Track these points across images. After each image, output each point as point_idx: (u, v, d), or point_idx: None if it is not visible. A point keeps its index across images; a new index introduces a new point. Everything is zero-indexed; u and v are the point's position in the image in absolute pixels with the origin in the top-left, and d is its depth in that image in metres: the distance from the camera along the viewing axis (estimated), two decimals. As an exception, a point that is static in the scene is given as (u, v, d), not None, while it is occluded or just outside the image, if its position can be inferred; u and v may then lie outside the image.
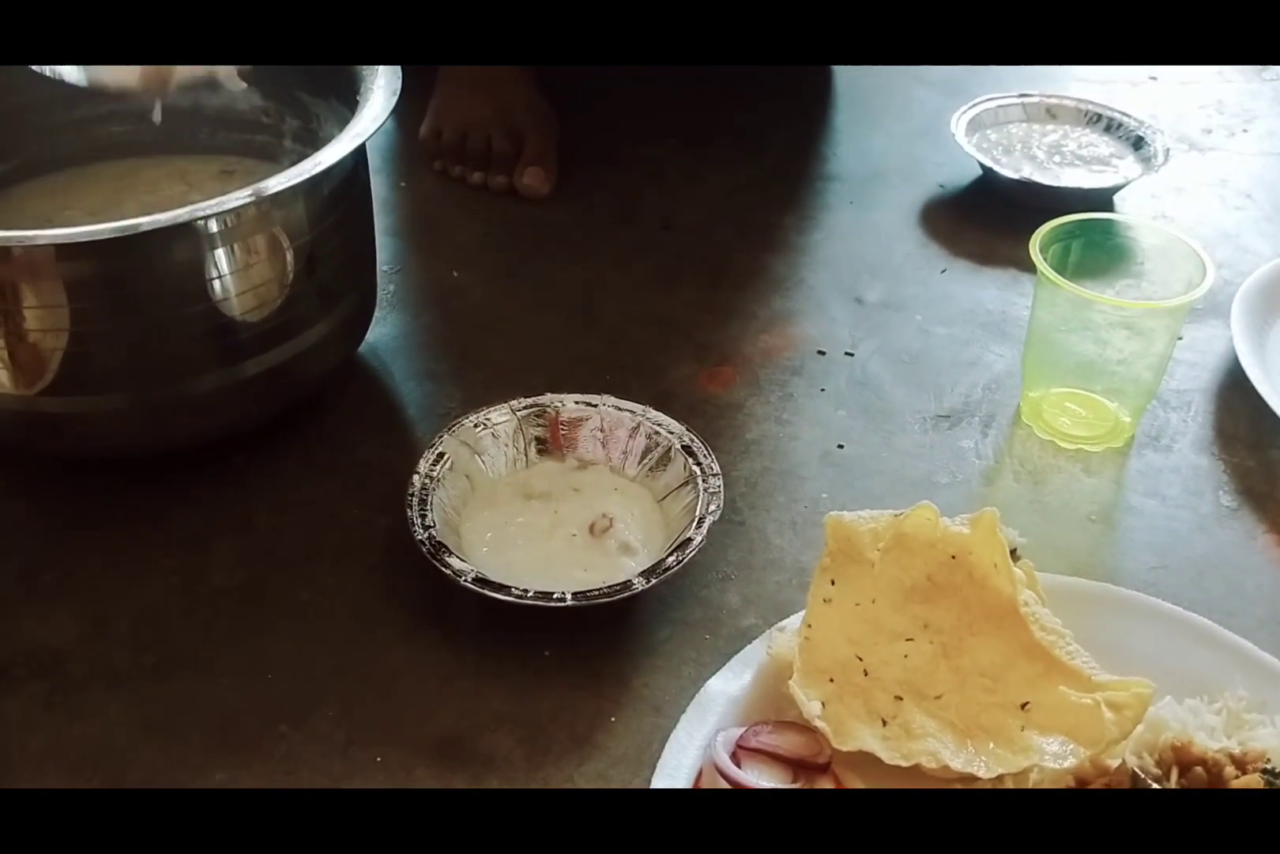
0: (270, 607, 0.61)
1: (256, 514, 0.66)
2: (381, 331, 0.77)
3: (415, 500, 0.62)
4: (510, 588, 0.57)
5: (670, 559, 0.59)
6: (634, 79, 1.03)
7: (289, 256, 0.65)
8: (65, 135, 0.80)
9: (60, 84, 0.72)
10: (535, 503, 0.65)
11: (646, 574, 0.58)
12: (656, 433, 0.66)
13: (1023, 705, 0.51)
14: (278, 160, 0.83)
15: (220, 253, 0.63)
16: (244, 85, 0.80)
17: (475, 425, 0.67)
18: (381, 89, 0.69)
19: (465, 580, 0.58)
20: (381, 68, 0.70)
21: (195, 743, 0.55)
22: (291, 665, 0.58)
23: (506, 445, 0.67)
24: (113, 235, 0.58)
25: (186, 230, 0.61)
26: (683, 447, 0.65)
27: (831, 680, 0.53)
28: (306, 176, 0.62)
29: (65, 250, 0.60)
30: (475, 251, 0.87)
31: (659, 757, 0.51)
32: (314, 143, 0.81)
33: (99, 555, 0.63)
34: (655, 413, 0.67)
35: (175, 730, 0.55)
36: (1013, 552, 0.56)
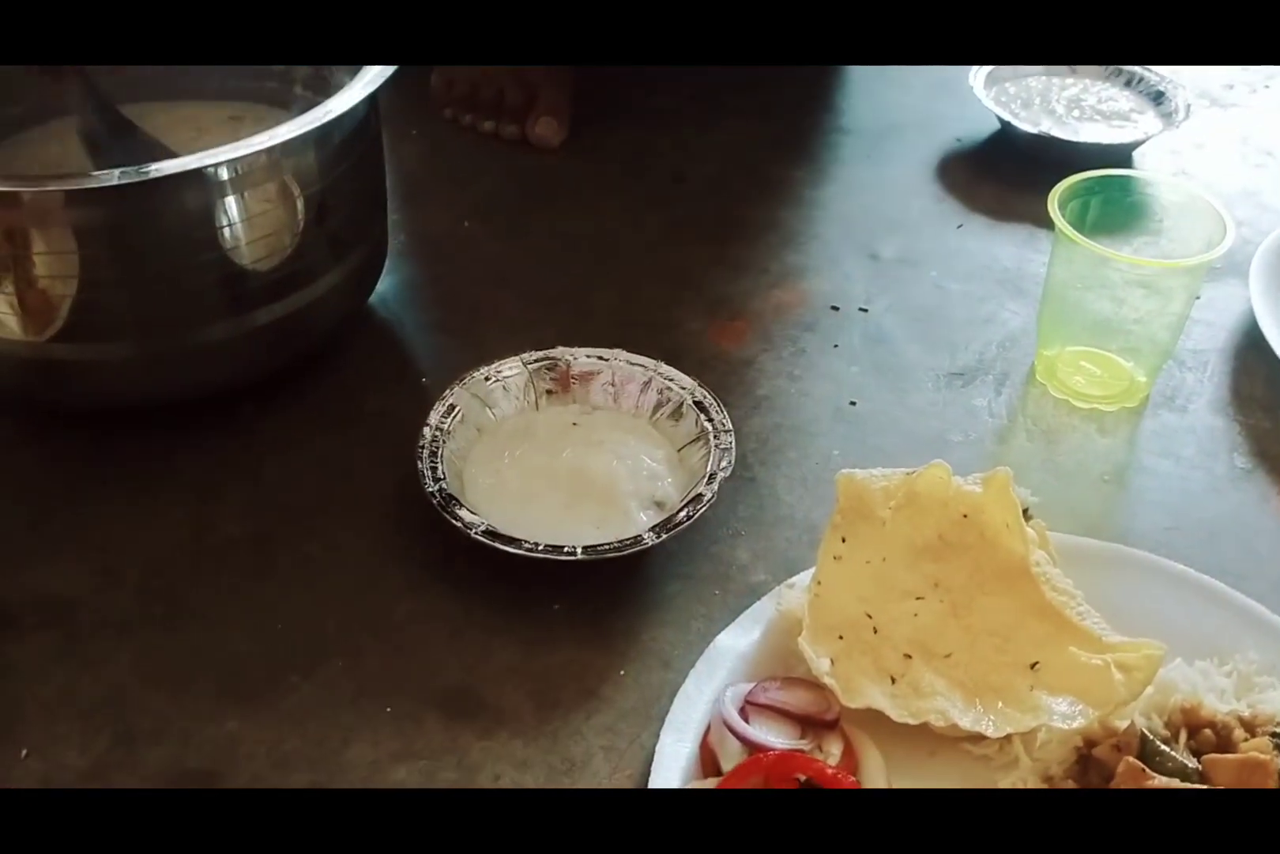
0: (279, 557, 0.61)
1: (266, 465, 0.66)
2: (392, 282, 0.77)
3: (425, 452, 0.62)
4: (520, 541, 0.57)
5: (680, 514, 0.58)
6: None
7: (299, 205, 0.65)
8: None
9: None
10: (541, 443, 0.64)
11: (657, 529, 0.58)
12: (668, 388, 0.66)
13: (1032, 665, 0.51)
14: (288, 107, 0.81)
15: (230, 200, 0.62)
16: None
17: (486, 378, 0.66)
18: None
19: (475, 533, 0.58)
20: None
21: (205, 692, 0.55)
22: (301, 616, 0.58)
23: (517, 398, 0.67)
24: (121, 182, 0.58)
25: (196, 177, 0.60)
26: (694, 402, 0.65)
27: (841, 638, 0.53)
28: (318, 124, 0.61)
29: (74, 196, 0.59)
30: (486, 202, 0.86)
31: (668, 711, 0.51)
32: (325, 90, 0.79)
33: (108, 505, 0.63)
34: (667, 368, 0.67)
35: (185, 680, 0.55)
36: (1025, 511, 0.55)
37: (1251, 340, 0.74)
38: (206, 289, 0.64)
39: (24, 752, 0.52)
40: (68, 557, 0.61)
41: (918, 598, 0.54)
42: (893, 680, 0.51)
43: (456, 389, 0.65)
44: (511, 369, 0.67)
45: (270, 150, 0.61)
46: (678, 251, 0.82)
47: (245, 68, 0.81)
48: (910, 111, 0.97)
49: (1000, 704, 0.51)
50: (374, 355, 0.73)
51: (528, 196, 0.87)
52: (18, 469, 0.65)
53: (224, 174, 0.61)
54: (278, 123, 0.82)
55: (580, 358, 0.68)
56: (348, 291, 0.71)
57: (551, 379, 0.67)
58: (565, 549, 0.57)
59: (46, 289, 0.62)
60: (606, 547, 0.57)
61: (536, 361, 0.67)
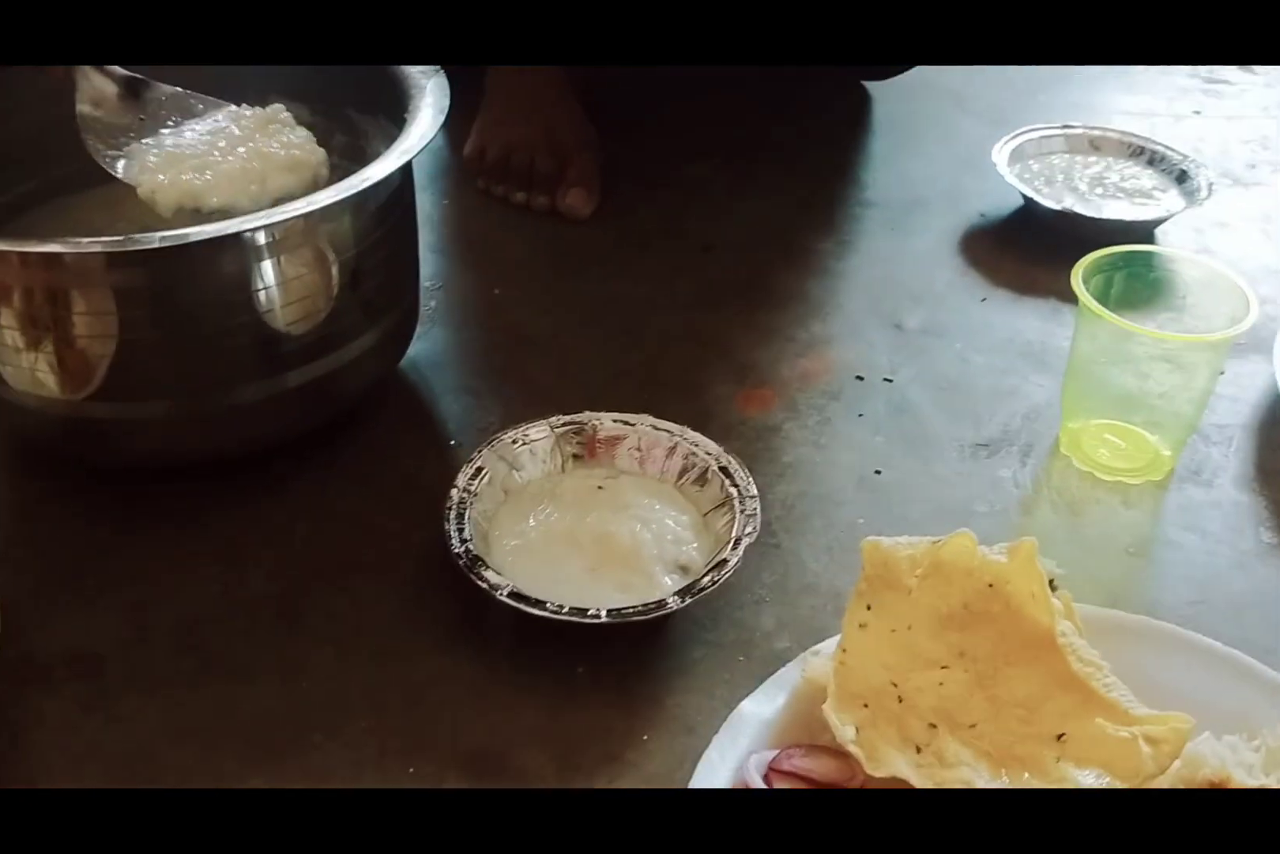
0: (307, 616, 0.62)
1: (296, 524, 0.67)
2: (423, 346, 0.78)
3: (453, 514, 0.63)
4: (545, 603, 0.58)
5: (705, 579, 0.59)
6: (676, 96, 1.04)
7: (334, 270, 0.66)
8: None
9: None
10: (567, 507, 0.65)
11: (681, 594, 0.58)
12: (694, 453, 0.67)
13: (1058, 737, 0.51)
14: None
15: (266, 265, 0.64)
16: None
17: (513, 441, 0.67)
18: (429, 107, 0.70)
19: (500, 595, 0.58)
20: (430, 86, 0.71)
21: (230, 749, 0.55)
22: (327, 675, 0.59)
23: (544, 461, 0.67)
24: (161, 245, 0.59)
25: (234, 242, 0.62)
26: (720, 467, 0.66)
27: (866, 706, 0.52)
28: (354, 191, 0.63)
29: (115, 258, 0.61)
30: (517, 269, 0.88)
31: (690, 777, 0.51)
32: (361, 159, 0.82)
33: (140, 561, 0.64)
34: (693, 433, 0.68)
35: (211, 736, 0.56)
36: (1050, 582, 0.55)
37: (1275, 416, 0.75)
38: (241, 351, 0.66)
39: (48, 806, 0.52)
40: (99, 611, 0.61)
41: (943, 667, 0.54)
42: (918, 749, 0.51)
43: (484, 451, 0.66)
44: (539, 433, 0.68)
45: (308, 216, 0.63)
46: (705, 319, 0.83)
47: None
48: (934, 185, 0.99)
49: (1026, 775, 0.50)
50: (404, 417, 0.74)
51: (558, 264, 0.89)
52: (52, 524, 0.66)
53: (261, 239, 0.62)
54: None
55: (606, 422, 0.68)
56: (380, 355, 0.72)
57: (578, 443, 0.68)
58: (590, 612, 0.57)
59: (85, 349, 0.64)
60: (631, 610, 0.58)
61: (564, 426, 0.68)
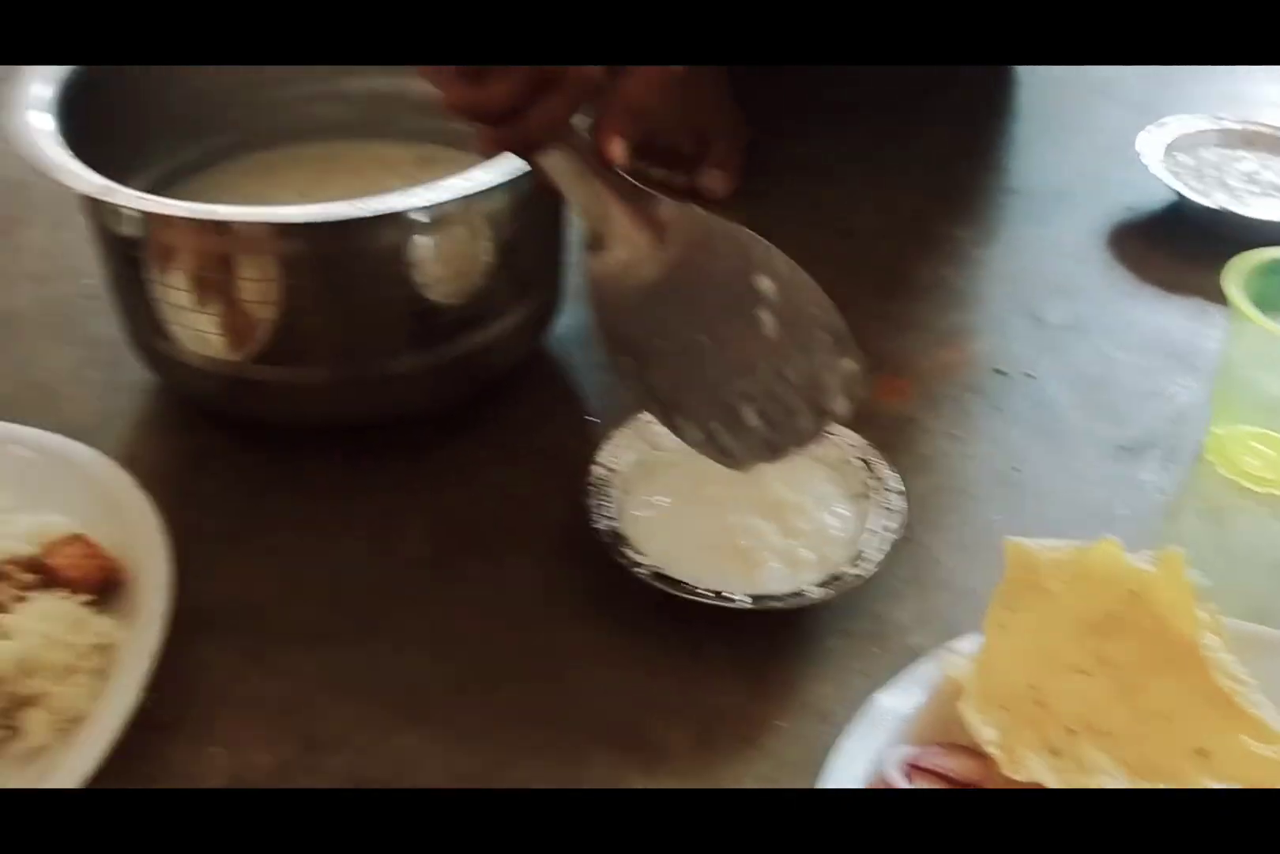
0: (454, 582, 0.64)
1: (443, 492, 0.69)
2: (566, 323, 0.79)
3: (594, 490, 0.64)
4: (686, 585, 0.59)
5: (848, 570, 0.60)
6: (819, 84, 1.03)
7: (488, 247, 0.68)
8: (275, 114, 0.83)
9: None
10: (705, 487, 0.66)
11: (823, 584, 0.59)
12: (833, 442, 0.67)
13: (1199, 751, 0.51)
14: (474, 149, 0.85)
15: (424, 240, 0.65)
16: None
17: (650, 421, 0.68)
18: None
19: (641, 573, 0.60)
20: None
21: (382, 706, 0.58)
22: (473, 640, 0.61)
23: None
24: (326, 219, 0.62)
25: (394, 219, 0.63)
26: (860, 459, 0.66)
27: (1004, 708, 0.53)
28: (512, 172, 0.64)
29: (282, 229, 0.63)
30: (657, 247, 0.89)
31: (825, 766, 0.52)
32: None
33: (297, 519, 0.67)
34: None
35: (364, 692, 0.58)
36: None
37: None
38: (397, 322, 0.68)
39: (216, 749, 0.55)
40: (258, 565, 0.64)
41: (1083, 673, 0.54)
42: (1057, 755, 0.52)
43: (625, 429, 0.68)
44: (680, 413, 0.69)
45: (466, 196, 0.64)
46: (842, 305, 0.83)
47: (436, 108, 0.85)
48: (1077, 175, 0.97)
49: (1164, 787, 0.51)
50: (546, 392, 0.76)
51: (697, 243, 0.89)
52: (215, 479, 0.69)
53: (421, 216, 0.64)
54: (466, 164, 0.87)
55: (748, 407, 0.69)
56: (526, 331, 0.74)
57: (721, 426, 0.69)
58: (731, 596, 0.59)
59: (250, 313, 0.66)
60: (771, 597, 0.59)
61: (707, 408, 0.69)
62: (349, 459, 0.70)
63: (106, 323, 0.79)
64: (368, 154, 0.84)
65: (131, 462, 0.67)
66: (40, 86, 0.69)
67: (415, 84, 0.83)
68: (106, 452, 0.68)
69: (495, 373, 0.74)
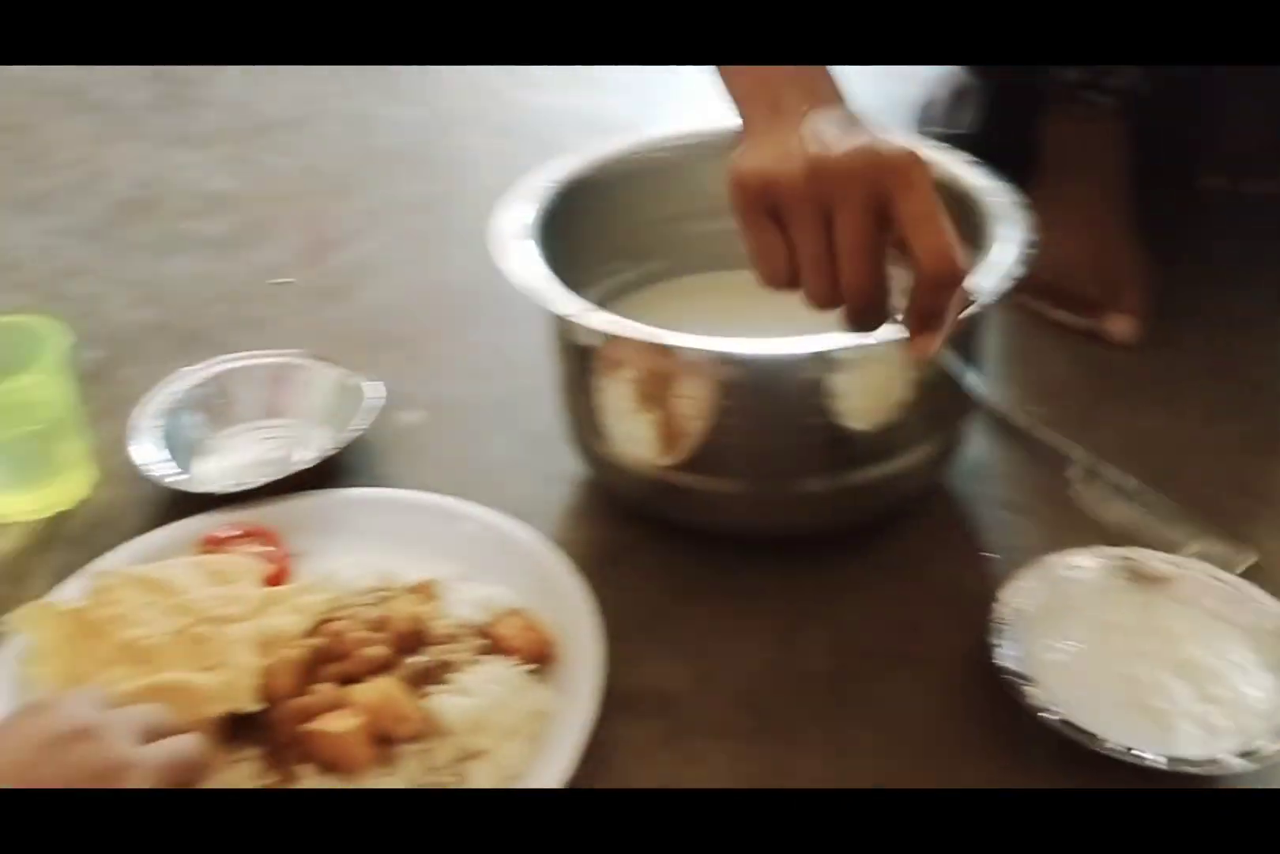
0: (851, 697, 0.67)
1: (844, 609, 0.72)
2: (969, 458, 0.82)
3: (997, 628, 0.66)
4: (1097, 736, 0.59)
5: (1270, 747, 0.58)
6: (1233, 232, 1.03)
7: (906, 385, 0.72)
8: (705, 243, 0.90)
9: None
10: (1120, 637, 0.66)
11: (1246, 755, 0.58)
12: (1257, 608, 0.66)
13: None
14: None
15: (849, 377, 0.70)
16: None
17: (1060, 564, 0.70)
18: (1008, 240, 0.74)
19: (1050, 719, 0.61)
20: (1010, 214, 0.75)
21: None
22: (867, 757, 0.64)
23: (1091, 589, 0.69)
24: (762, 354, 0.68)
25: (824, 356, 0.68)
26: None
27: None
28: None
29: (722, 358, 0.69)
30: (1052, 389, 0.91)
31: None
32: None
33: (707, 619, 0.72)
34: (1251, 587, 0.67)
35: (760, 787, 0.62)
36: None
37: None
38: (812, 447, 0.73)
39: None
40: (672, 657, 0.70)
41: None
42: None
43: (1031, 571, 0.69)
44: (1086, 561, 0.70)
45: (891, 339, 0.68)
46: (1253, 465, 0.82)
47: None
48: None
49: None
50: (946, 522, 0.79)
51: (1095, 388, 0.90)
52: (640, 572, 0.76)
53: (849, 355, 0.69)
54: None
55: (1155, 561, 0.69)
56: (932, 463, 0.77)
57: (1126, 577, 0.69)
58: (1143, 755, 0.58)
59: (682, 425, 0.73)
60: (1187, 761, 0.58)
61: (1112, 557, 0.70)
62: (758, 566, 0.75)
63: (542, 417, 0.89)
64: (749, 280, 0.91)
65: (560, 546, 0.75)
66: (522, 211, 0.79)
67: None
68: (539, 535, 0.76)
69: (899, 500, 0.77)
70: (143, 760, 0.52)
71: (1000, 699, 0.63)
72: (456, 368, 0.97)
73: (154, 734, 0.54)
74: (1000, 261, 0.71)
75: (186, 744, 0.55)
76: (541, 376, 0.92)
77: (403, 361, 0.97)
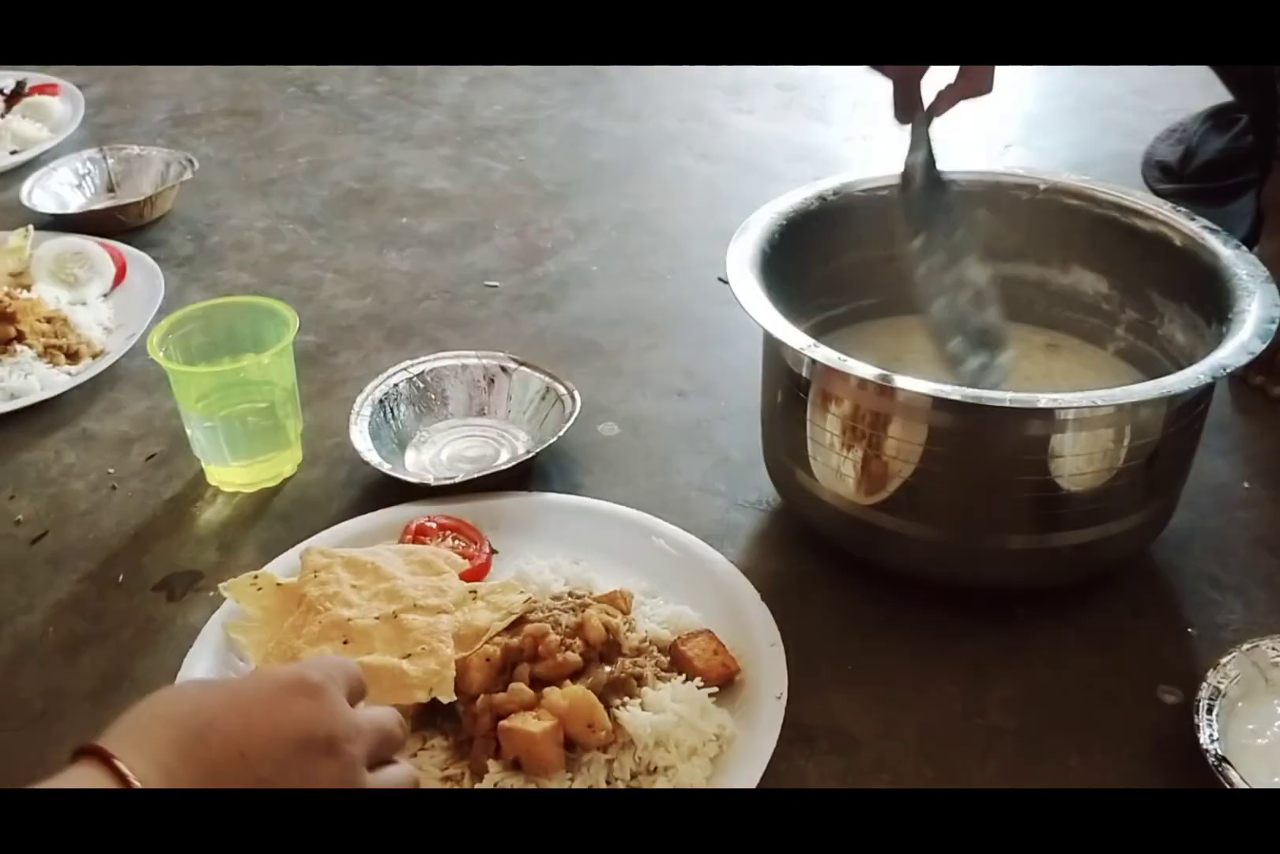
0: (1037, 760, 0.66)
1: (1033, 667, 0.71)
2: (1176, 529, 0.80)
3: (1202, 707, 0.64)
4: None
5: None
6: None
7: (1129, 453, 0.70)
8: (914, 285, 0.91)
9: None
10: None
11: None
12: None
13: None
14: (1103, 345, 0.89)
15: (1069, 438, 0.69)
16: (1096, 273, 0.88)
17: (1272, 649, 0.67)
18: (1256, 316, 0.71)
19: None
20: (1261, 292, 0.73)
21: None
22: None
23: (1303, 679, 0.67)
24: (983, 402, 0.67)
25: (1048, 413, 0.68)
26: None
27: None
28: (1170, 391, 0.67)
29: (940, 403, 0.69)
30: (1268, 466, 0.88)
31: None
32: (1150, 338, 0.86)
33: (894, 662, 0.72)
34: None
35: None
36: None
37: None
38: (1020, 503, 0.72)
39: None
40: (856, 697, 0.70)
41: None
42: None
43: (1238, 655, 0.67)
44: (1291, 649, 0.68)
45: (1122, 403, 0.67)
46: None
47: (1074, 300, 0.90)
48: None
49: None
50: (1147, 593, 0.77)
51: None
52: (828, 607, 0.76)
53: (1072, 415, 0.68)
54: (1091, 357, 0.90)
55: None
56: (1140, 532, 0.76)
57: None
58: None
59: (888, 466, 0.73)
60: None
61: (1325, 649, 0.67)
62: (950, 615, 0.75)
63: (736, 441, 0.90)
64: (1001, 332, 0.90)
65: (746, 573, 0.76)
66: (750, 240, 0.80)
67: (1059, 276, 0.90)
68: (727, 559, 0.77)
69: (1101, 565, 0.76)
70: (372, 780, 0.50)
71: (1196, 781, 0.61)
72: (654, 384, 0.99)
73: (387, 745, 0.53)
74: (1244, 338, 0.70)
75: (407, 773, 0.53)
76: (737, 400, 0.94)
77: (601, 373, 0.99)
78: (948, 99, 0.74)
